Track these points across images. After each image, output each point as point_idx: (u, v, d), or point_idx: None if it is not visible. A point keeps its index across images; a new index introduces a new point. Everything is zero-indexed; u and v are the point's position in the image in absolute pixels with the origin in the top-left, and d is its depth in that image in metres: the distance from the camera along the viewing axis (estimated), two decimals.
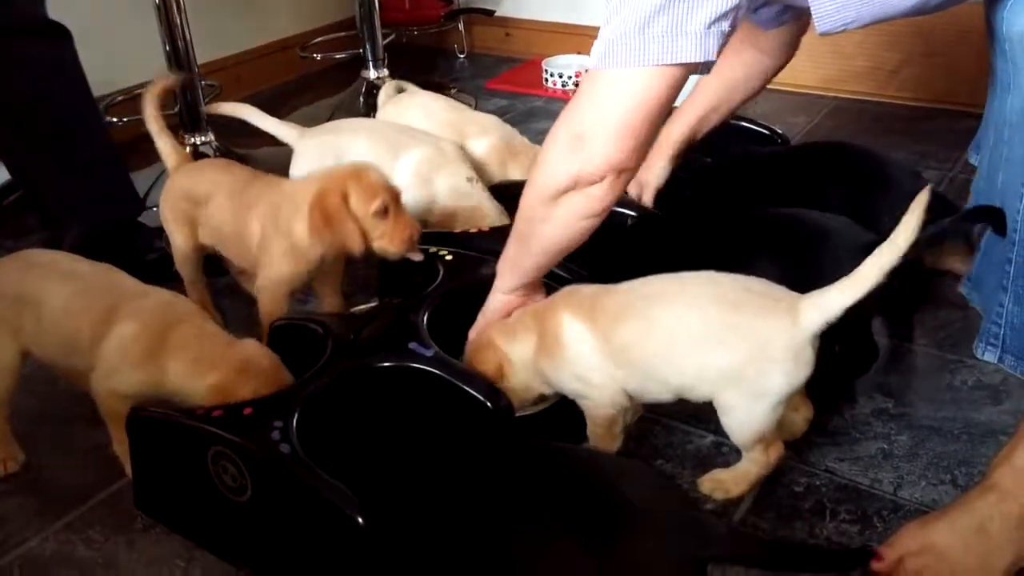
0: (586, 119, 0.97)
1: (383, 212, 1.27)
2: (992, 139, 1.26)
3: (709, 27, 0.89)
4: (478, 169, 1.62)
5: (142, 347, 1.09)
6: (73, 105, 1.48)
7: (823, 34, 1.06)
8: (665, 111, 0.97)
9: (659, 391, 1.09)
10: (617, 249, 1.30)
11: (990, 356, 1.12)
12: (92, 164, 1.59)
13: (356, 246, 1.27)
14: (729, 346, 1.02)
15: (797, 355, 1.01)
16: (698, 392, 1.06)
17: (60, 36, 1.53)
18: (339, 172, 1.30)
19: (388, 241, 1.28)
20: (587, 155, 0.96)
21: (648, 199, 1.44)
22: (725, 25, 0.92)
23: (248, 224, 1.34)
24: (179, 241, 1.44)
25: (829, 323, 1.00)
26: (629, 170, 0.99)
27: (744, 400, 1.03)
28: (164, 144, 1.46)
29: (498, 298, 1.15)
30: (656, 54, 0.90)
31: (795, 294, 1.03)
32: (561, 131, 1.00)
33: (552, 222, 1.03)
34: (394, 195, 1.29)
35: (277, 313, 1.32)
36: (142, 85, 1.44)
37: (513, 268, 1.13)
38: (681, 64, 0.92)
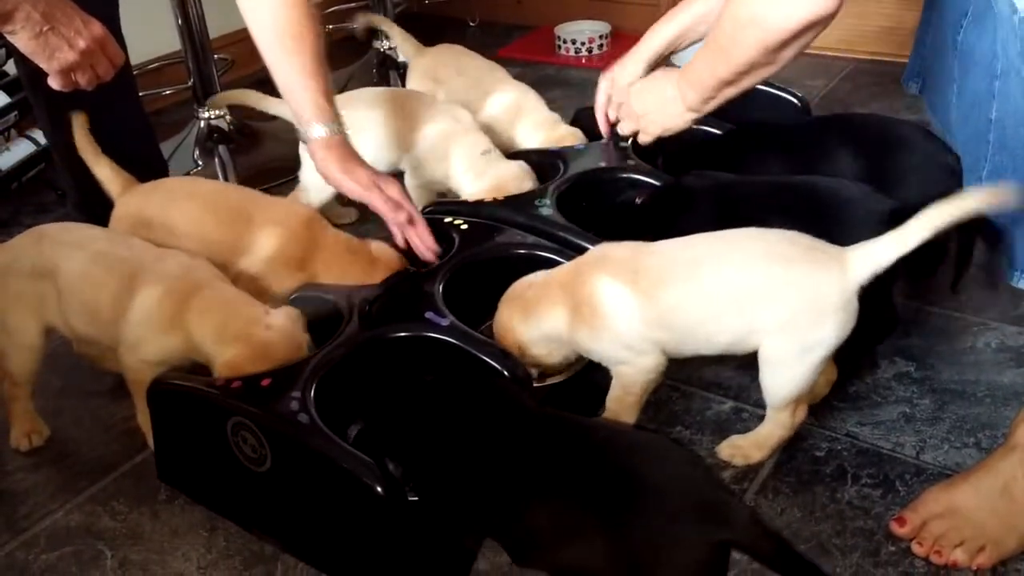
0: None
1: None
2: (965, 74, 1.24)
3: None
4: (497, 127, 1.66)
5: (167, 312, 1.09)
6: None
7: None
8: None
9: (703, 348, 1.07)
10: (633, 220, 1.29)
11: None
12: (126, 132, 1.58)
13: None
14: (782, 299, 1.01)
15: (847, 305, 1.01)
16: (746, 345, 1.05)
17: None
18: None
19: None
20: None
21: (619, 95, 1.42)
22: None
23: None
24: None
25: (876, 275, 1.00)
26: None
27: (793, 353, 1.02)
28: None
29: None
30: None
31: (839, 247, 1.02)
32: None
33: (778, 63, 1.14)
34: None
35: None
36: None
37: (702, 86, 1.24)
38: None
